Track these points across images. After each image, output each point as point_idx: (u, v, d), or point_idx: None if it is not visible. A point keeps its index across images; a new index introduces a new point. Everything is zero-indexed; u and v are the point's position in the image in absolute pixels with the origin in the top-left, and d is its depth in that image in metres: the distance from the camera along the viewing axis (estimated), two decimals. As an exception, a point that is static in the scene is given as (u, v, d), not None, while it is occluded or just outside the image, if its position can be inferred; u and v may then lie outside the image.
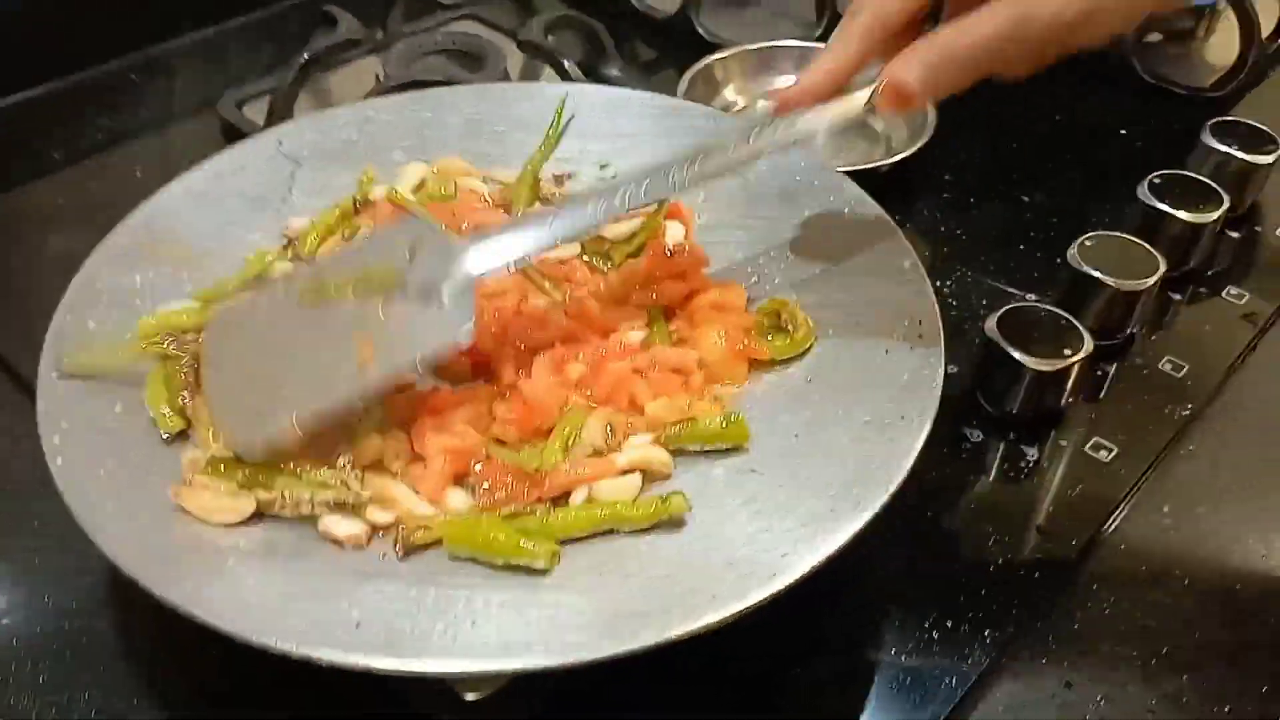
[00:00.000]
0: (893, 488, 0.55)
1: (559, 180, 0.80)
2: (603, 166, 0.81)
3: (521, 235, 0.62)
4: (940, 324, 0.63)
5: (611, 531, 0.57)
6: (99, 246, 0.68)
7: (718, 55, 1.03)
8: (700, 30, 1.11)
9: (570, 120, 0.82)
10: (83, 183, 0.96)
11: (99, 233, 0.69)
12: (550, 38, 1.05)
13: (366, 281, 0.61)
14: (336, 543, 0.57)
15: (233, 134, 0.97)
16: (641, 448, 0.61)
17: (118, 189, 0.91)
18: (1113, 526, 0.70)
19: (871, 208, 0.72)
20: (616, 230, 0.74)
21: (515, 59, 1.07)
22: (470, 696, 0.57)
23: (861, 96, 0.62)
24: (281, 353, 0.61)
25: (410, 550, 0.56)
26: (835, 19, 1.11)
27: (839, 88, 0.62)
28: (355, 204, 0.76)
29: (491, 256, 0.61)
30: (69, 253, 0.69)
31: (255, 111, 1.01)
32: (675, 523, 0.57)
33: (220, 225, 0.73)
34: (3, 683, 0.59)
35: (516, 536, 0.55)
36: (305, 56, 0.98)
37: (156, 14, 1.09)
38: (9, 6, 0.98)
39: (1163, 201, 0.85)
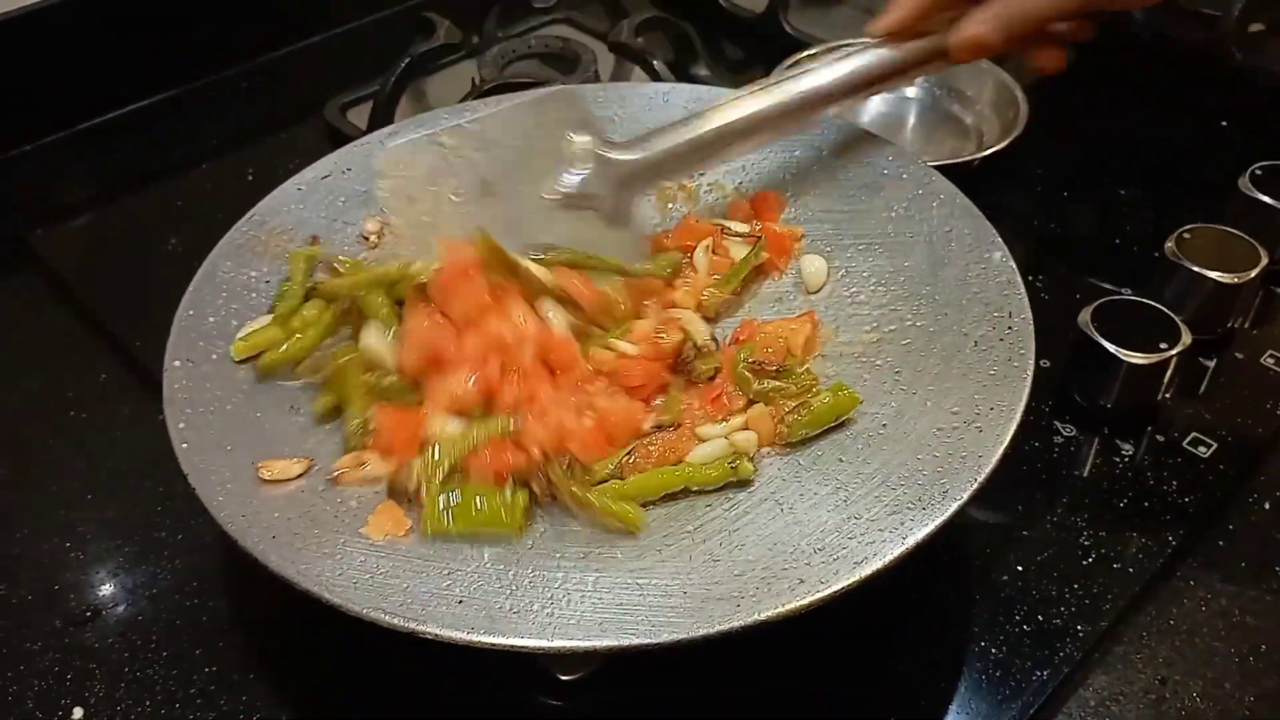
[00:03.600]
0: (981, 478, 0.55)
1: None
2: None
3: (672, 135, 0.71)
4: (1031, 315, 0.63)
5: (701, 515, 0.59)
6: (219, 244, 0.72)
7: (805, 53, 1.03)
8: (788, 29, 1.12)
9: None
10: (198, 185, 1.01)
11: (213, 231, 0.73)
12: (640, 39, 1.07)
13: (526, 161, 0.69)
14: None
15: (337, 137, 1.01)
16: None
17: (231, 191, 0.95)
18: (1211, 523, 0.69)
19: (961, 201, 0.72)
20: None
21: (606, 60, 1.09)
22: (564, 677, 0.59)
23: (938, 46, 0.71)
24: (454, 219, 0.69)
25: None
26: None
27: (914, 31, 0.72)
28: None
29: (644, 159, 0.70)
30: (186, 250, 0.74)
31: (358, 116, 1.05)
32: (744, 483, 0.60)
33: (329, 222, 0.76)
34: (128, 657, 0.64)
35: (608, 500, 0.58)
36: (405, 62, 1.02)
37: (264, 25, 1.15)
38: (123, 23, 1.04)
39: (1265, 193, 0.83)
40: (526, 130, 0.70)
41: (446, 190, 0.69)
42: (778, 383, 0.65)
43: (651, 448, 0.61)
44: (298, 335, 0.68)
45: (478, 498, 0.58)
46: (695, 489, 0.60)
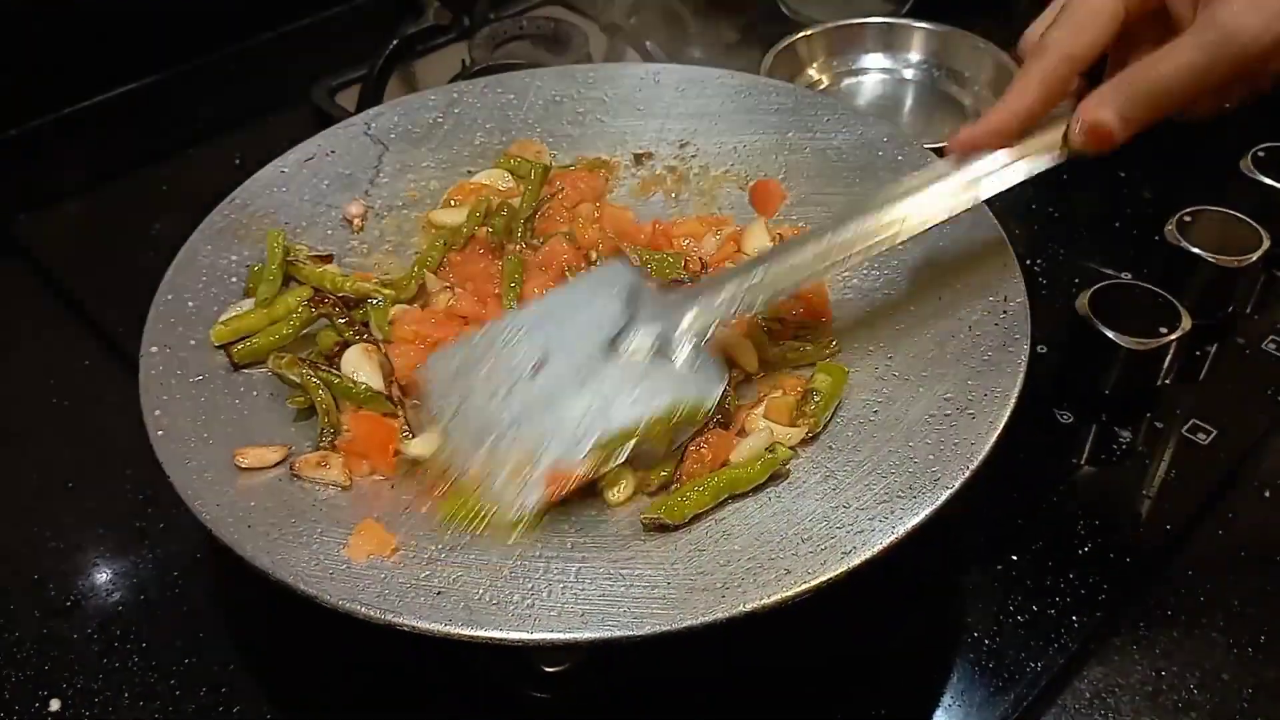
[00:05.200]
0: (974, 466, 0.54)
1: (639, 159, 0.81)
2: (683, 145, 0.81)
3: (732, 284, 0.61)
4: (1026, 299, 0.62)
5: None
6: (199, 228, 0.71)
7: (801, 34, 1.02)
8: (783, 9, 1.10)
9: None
10: (184, 169, 0.99)
11: (199, 217, 0.72)
12: (633, 20, 1.05)
13: (580, 331, 0.62)
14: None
15: (326, 120, 0.99)
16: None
17: (217, 174, 0.93)
18: (1210, 511, 0.67)
19: (956, 183, 0.71)
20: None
21: (598, 41, 1.07)
22: (549, 669, 0.58)
23: (1053, 140, 0.60)
24: (510, 410, 0.60)
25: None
26: (923, -6, 1.09)
27: (1024, 130, 0.60)
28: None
29: (720, 306, 0.61)
30: (171, 236, 0.72)
31: (347, 99, 1.04)
32: (779, 476, 0.58)
33: (311, 205, 0.75)
34: (108, 647, 0.62)
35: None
36: (393, 44, 1.00)
37: (252, 7, 1.13)
38: (107, 6, 1.03)
39: (1268, 174, 0.81)
40: (577, 304, 0.65)
41: (492, 377, 0.62)
42: (796, 343, 0.65)
43: (703, 450, 0.59)
44: (274, 329, 0.66)
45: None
46: (743, 491, 0.57)
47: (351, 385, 0.63)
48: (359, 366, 0.64)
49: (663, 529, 0.55)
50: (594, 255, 0.72)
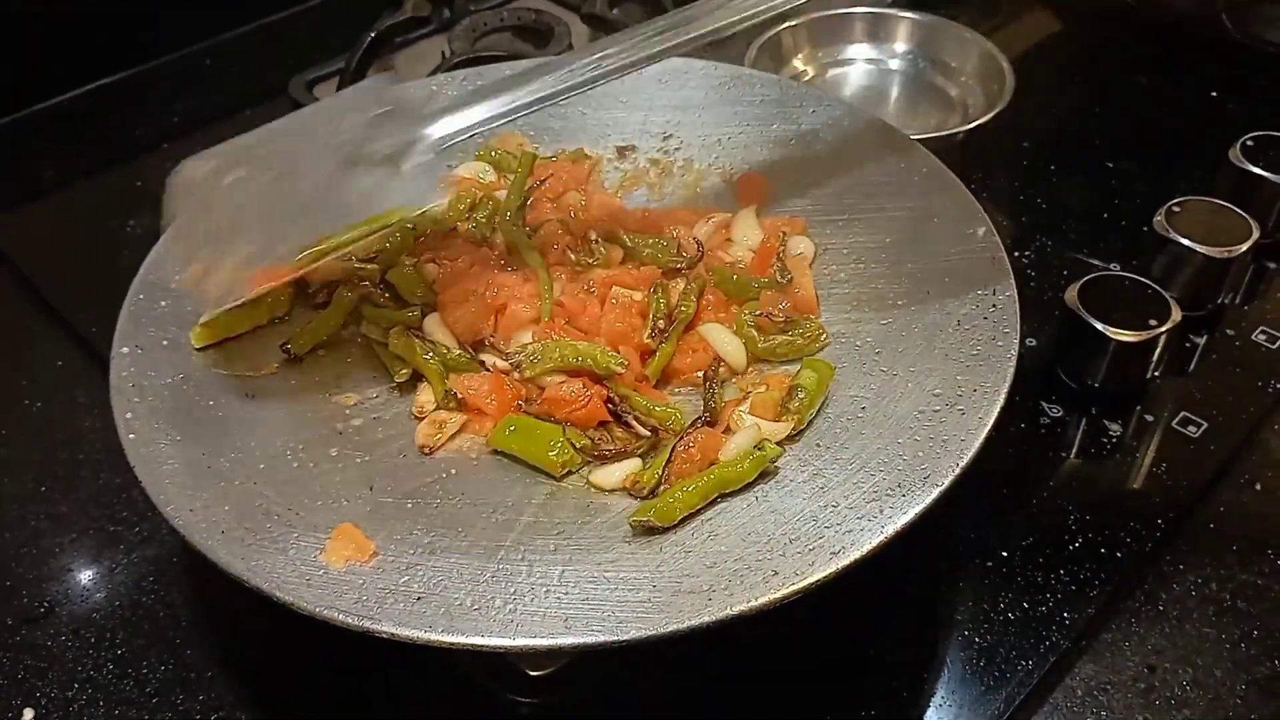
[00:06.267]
0: (963, 463, 0.53)
1: (621, 153, 0.80)
2: (666, 138, 0.80)
3: (486, 103, 0.62)
4: (1015, 293, 0.61)
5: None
6: (171, 227, 0.69)
7: (786, 24, 1.01)
8: (768, -1, 1.09)
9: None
10: (160, 166, 0.97)
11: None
12: (615, 10, 1.04)
13: (328, 146, 0.62)
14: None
15: (303, 115, 0.98)
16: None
17: (192, 171, 0.92)
18: (1201, 505, 0.67)
19: (943, 174, 0.70)
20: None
21: (580, 32, 1.06)
22: (534, 673, 0.57)
23: None
24: (248, 210, 0.62)
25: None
26: (908, -16, 1.08)
27: None
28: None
29: (454, 124, 0.62)
30: (146, 233, 0.71)
31: (325, 92, 1.02)
32: (768, 474, 0.57)
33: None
34: (83, 654, 0.61)
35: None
36: (371, 35, 0.99)
37: (227, 0, 1.11)
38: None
39: (1256, 164, 0.81)
40: (331, 119, 0.65)
41: (240, 184, 0.62)
42: (785, 337, 0.65)
43: (692, 449, 0.58)
44: (323, 318, 0.67)
45: (538, 430, 0.61)
46: (731, 491, 0.57)
47: (446, 351, 0.66)
48: (434, 332, 0.67)
49: (651, 531, 0.54)
50: (593, 235, 0.71)
